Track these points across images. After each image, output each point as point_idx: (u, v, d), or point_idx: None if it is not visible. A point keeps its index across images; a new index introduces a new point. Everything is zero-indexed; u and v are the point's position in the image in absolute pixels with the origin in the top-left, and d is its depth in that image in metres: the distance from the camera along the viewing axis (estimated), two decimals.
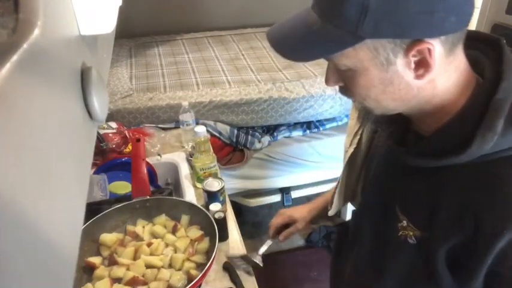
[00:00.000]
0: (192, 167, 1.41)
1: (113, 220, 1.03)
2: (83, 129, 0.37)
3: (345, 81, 0.61)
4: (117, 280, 0.88)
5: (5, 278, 0.20)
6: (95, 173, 1.33)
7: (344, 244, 0.97)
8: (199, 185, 1.34)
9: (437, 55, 0.53)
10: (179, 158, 1.51)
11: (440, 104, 0.59)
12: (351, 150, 0.87)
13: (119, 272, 0.88)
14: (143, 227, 1.03)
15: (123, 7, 0.62)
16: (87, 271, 0.91)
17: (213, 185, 1.19)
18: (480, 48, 0.62)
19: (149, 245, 0.96)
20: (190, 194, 1.33)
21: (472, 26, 1.65)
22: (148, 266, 0.91)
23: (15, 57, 0.22)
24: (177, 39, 2.83)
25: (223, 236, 1.13)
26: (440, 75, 0.56)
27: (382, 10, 0.49)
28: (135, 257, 0.94)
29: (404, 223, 0.67)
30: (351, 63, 0.55)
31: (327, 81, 0.63)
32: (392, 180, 0.72)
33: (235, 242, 1.15)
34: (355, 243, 0.87)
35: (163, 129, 1.84)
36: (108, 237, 0.98)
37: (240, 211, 2.44)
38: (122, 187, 1.35)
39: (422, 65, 0.54)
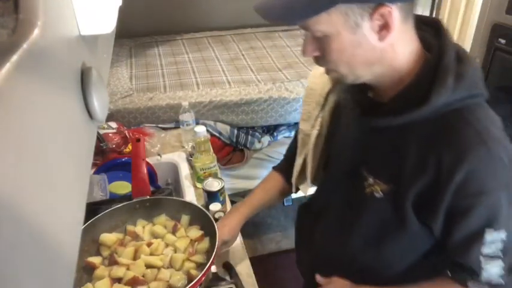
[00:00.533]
0: (192, 166, 1.41)
1: (113, 220, 1.02)
2: (83, 129, 0.37)
3: (321, 50, 0.69)
4: (117, 280, 0.88)
5: (5, 278, 0.20)
6: (95, 173, 1.33)
7: (307, 220, 1.04)
8: (199, 185, 1.34)
9: (396, 19, 0.62)
10: (179, 158, 1.51)
11: (398, 71, 0.69)
12: (315, 132, 0.95)
13: (119, 272, 0.88)
14: (143, 227, 1.03)
15: (123, 7, 0.62)
16: (87, 271, 0.91)
17: (213, 185, 1.20)
18: (422, 28, 0.72)
19: (149, 245, 0.96)
20: (190, 194, 1.33)
21: (472, 26, 1.65)
22: (149, 266, 0.91)
23: (15, 57, 0.22)
24: (177, 39, 2.83)
25: None
26: (398, 40, 0.66)
27: None
28: (135, 257, 0.94)
29: (371, 180, 0.76)
30: (325, 28, 0.64)
31: (305, 52, 0.70)
32: (359, 146, 0.81)
33: (235, 242, 1.15)
34: (322, 215, 0.94)
35: (163, 129, 1.84)
36: (108, 237, 0.98)
37: None
38: (122, 187, 1.35)
39: (384, 28, 0.63)
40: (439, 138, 0.67)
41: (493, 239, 0.67)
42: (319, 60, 0.71)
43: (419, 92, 0.67)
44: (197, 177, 1.35)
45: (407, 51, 0.68)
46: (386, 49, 0.66)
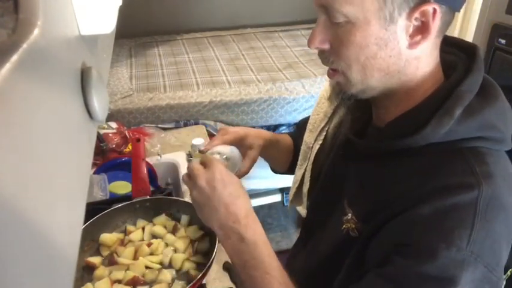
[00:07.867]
0: None
1: (113, 220, 1.02)
2: (83, 129, 0.37)
3: (334, 41, 0.57)
4: (117, 280, 0.88)
5: (5, 278, 0.20)
6: (95, 173, 1.33)
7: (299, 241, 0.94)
8: None
9: (437, 24, 0.53)
10: (179, 158, 1.51)
11: (411, 90, 0.59)
12: (317, 146, 0.85)
13: (119, 272, 0.88)
14: (143, 227, 1.03)
15: (123, 7, 0.62)
16: (87, 271, 0.91)
17: None
18: (455, 53, 0.62)
19: (149, 245, 0.96)
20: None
21: (472, 26, 1.66)
22: (148, 266, 0.91)
23: (15, 57, 0.22)
24: (177, 39, 2.82)
25: None
26: (426, 55, 0.57)
27: None
28: (135, 257, 0.94)
29: (349, 216, 0.66)
30: (353, 12, 0.53)
31: (312, 41, 0.58)
32: (345, 172, 0.70)
33: None
34: (307, 241, 0.85)
35: (163, 129, 1.84)
36: (108, 237, 0.98)
37: None
38: (122, 187, 1.34)
39: (420, 31, 0.54)
40: (415, 179, 0.55)
41: None
42: (326, 55, 0.59)
43: (422, 116, 0.56)
44: None
45: (428, 70, 0.58)
46: (411, 61, 0.56)
